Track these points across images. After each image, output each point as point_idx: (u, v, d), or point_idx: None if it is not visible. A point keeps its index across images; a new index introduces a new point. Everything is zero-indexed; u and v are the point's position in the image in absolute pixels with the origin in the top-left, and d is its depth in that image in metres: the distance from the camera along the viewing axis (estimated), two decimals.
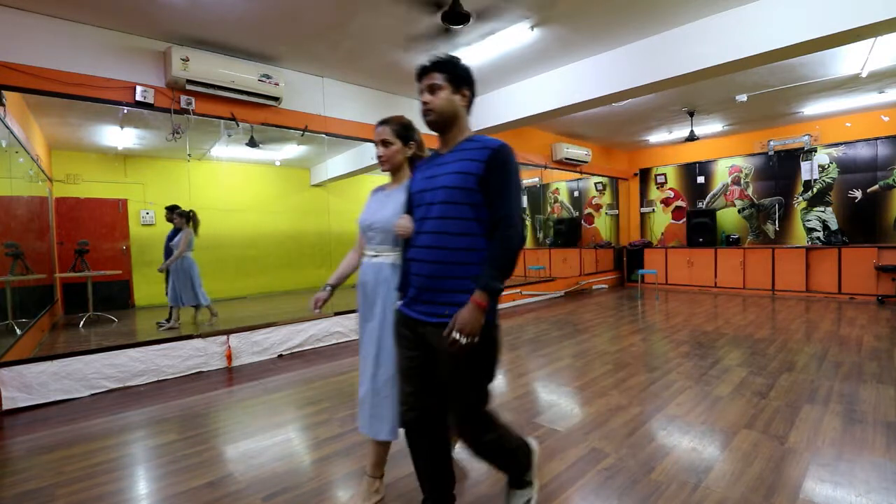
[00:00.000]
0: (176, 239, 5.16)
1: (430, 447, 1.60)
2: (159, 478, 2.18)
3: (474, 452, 1.57)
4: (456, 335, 1.35)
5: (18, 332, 3.96)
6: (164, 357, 3.80)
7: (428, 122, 1.53)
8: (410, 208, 1.62)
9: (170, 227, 5.32)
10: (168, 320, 5.06)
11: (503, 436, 1.58)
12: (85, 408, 3.20)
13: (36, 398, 3.23)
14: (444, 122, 1.52)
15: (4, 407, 3.12)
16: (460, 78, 1.52)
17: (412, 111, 5.87)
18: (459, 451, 2.22)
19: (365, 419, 1.82)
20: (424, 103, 1.51)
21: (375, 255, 1.86)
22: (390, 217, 1.75)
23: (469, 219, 1.44)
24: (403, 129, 1.84)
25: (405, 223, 1.60)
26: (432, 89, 1.50)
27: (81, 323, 5.36)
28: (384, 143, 1.83)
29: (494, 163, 1.42)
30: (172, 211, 5.25)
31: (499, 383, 3.44)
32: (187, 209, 5.21)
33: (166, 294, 5.27)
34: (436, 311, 1.46)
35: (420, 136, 1.90)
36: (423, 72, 1.52)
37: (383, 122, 1.85)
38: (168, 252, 5.29)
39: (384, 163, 1.84)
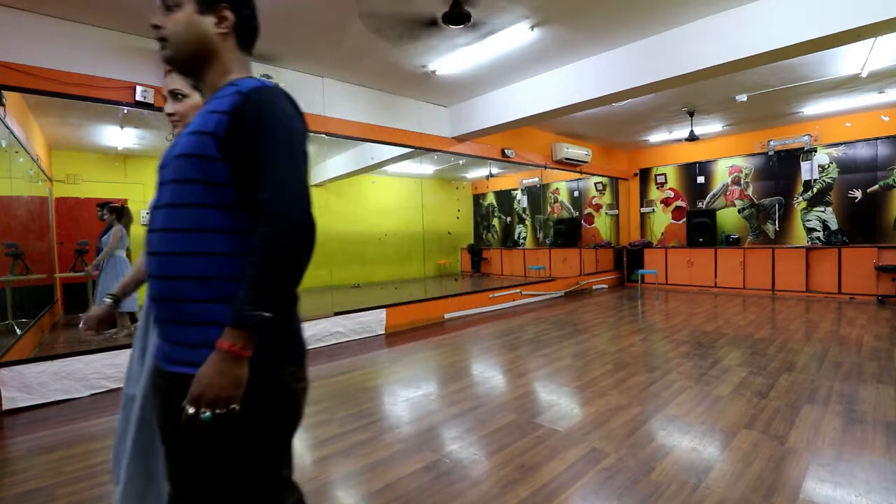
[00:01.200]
0: (105, 236, 4.81)
1: None
2: None
3: None
4: (190, 409, 0.81)
5: (18, 332, 3.97)
6: None
7: (165, 61, 1.00)
8: None
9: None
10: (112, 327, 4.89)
11: None
12: (85, 408, 3.20)
13: (36, 398, 3.23)
14: (188, 61, 0.99)
15: (4, 407, 3.12)
16: None
17: (415, 111, 5.90)
18: None
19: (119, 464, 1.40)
20: (155, 28, 0.98)
21: None
22: None
23: (208, 206, 0.90)
24: None
25: None
26: (166, 6, 0.97)
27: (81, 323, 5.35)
28: (174, 96, 1.35)
29: (244, 115, 0.89)
30: (102, 208, 4.90)
31: (499, 383, 3.44)
32: (119, 205, 4.89)
33: (93, 297, 4.98)
34: (170, 354, 0.92)
35: None
36: None
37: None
38: (100, 252, 4.89)
39: (177, 123, 1.36)
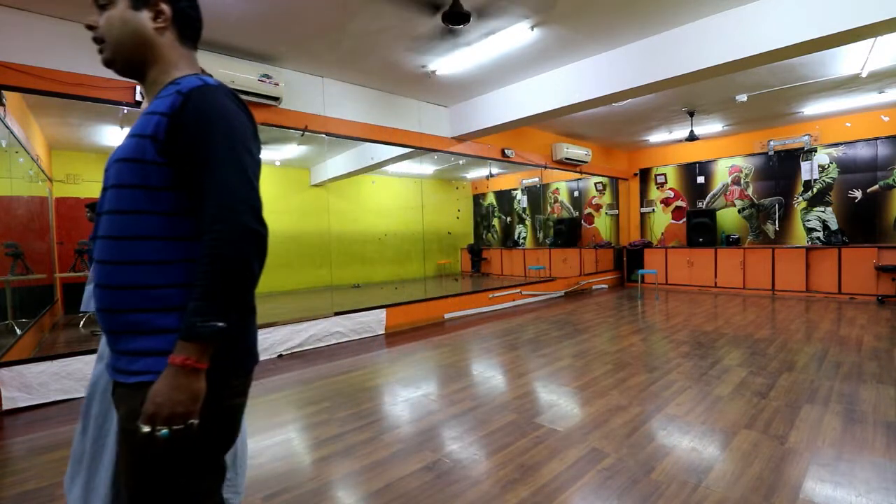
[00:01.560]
0: None
1: None
2: None
3: None
4: (145, 428, 0.78)
5: (18, 332, 3.97)
6: None
7: (104, 62, 0.95)
8: None
9: None
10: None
11: None
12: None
13: (36, 398, 3.23)
14: (127, 61, 0.95)
15: (4, 407, 3.12)
16: None
17: (415, 111, 5.89)
18: None
19: (78, 488, 1.31)
20: (89, 28, 0.95)
21: None
22: None
23: (146, 212, 0.86)
24: None
25: None
26: (99, 5, 0.93)
27: (81, 323, 5.36)
28: None
29: (185, 116, 0.84)
30: (94, 209, 4.95)
31: (499, 383, 3.44)
32: None
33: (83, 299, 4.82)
34: (114, 364, 0.89)
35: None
36: None
37: None
38: (91, 253, 4.85)
39: None
